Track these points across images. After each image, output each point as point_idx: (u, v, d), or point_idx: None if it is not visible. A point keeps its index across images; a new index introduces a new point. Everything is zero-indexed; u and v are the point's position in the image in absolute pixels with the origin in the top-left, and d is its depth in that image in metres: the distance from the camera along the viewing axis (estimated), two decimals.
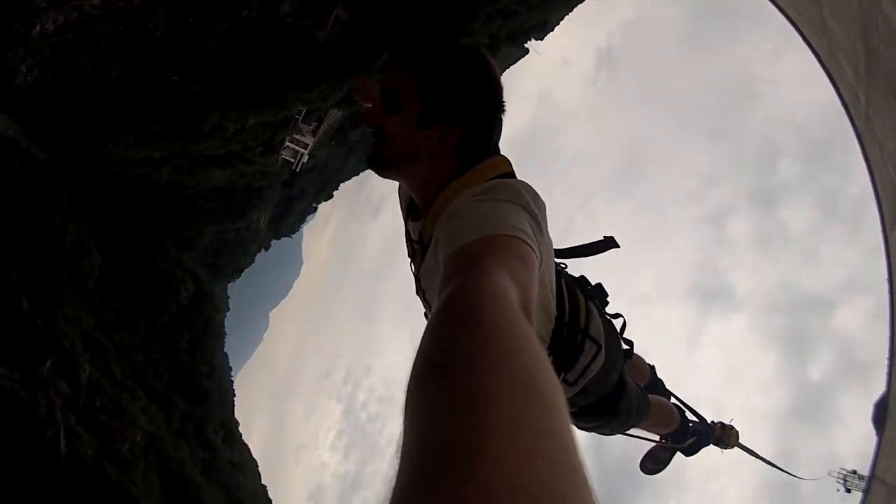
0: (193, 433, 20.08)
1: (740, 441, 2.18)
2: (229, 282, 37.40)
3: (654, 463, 2.12)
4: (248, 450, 29.25)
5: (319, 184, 35.27)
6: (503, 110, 0.97)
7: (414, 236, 1.05)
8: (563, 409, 0.33)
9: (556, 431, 0.30)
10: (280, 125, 14.66)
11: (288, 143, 21.97)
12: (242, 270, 39.31)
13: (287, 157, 22.96)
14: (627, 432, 1.64)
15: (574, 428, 0.34)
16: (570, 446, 0.30)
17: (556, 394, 0.34)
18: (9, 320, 9.11)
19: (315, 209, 42.59)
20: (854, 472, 15.60)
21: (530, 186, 0.86)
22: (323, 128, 23.12)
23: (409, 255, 1.12)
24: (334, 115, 23.20)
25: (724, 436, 2.11)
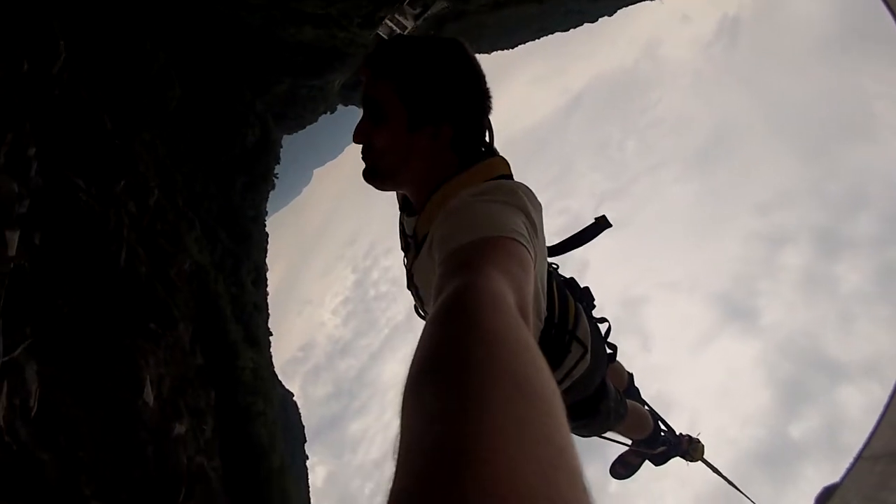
0: (230, 269, 21.79)
1: (704, 456, 2.20)
2: (289, 133, 37.93)
3: (623, 468, 2.19)
4: (267, 294, 31.81)
5: None
6: (490, 99, 0.94)
7: (408, 231, 1.04)
8: (561, 413, 0.33)
9: (553, 436, 0.30)
10: (385, 2, 13.65)
11: (387, 21, 20.84)
12: (305, 126, 39.60)
13: (381, 34, 21.88)
14: (602, 435, 1.67)
15: (571, 432, 0.33)
16: (567, 450, 0.30)
17: (554, 398, 0.34)
18: (92, 138, 9.52)
19: None
20: None
21: (527, 188, 0.85)
22: (426, 15, 21.72)
23: (402, 248, 1.12)
24: (440, 6, 21.84)
25: (690, 448, 2.14)
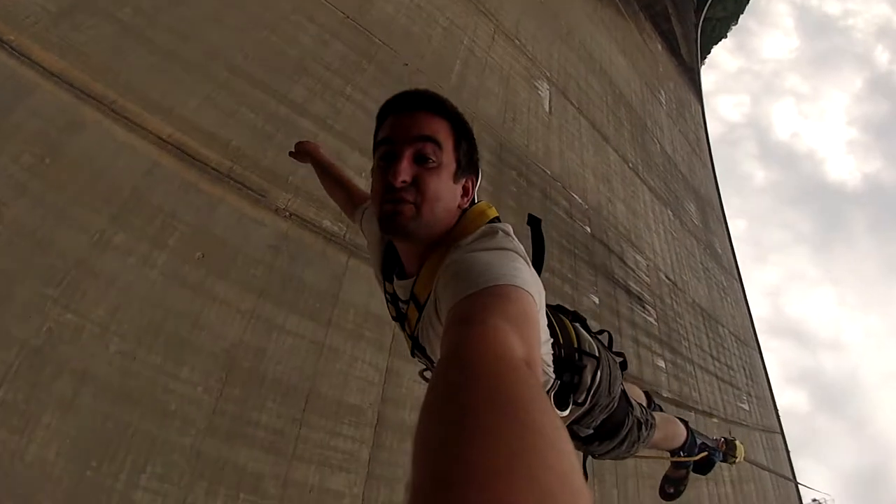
0: None
1: (745, 455, 2.15)
2: None
3: (671, 485, 2.12)
4: None
5: None
6: None
7: (402, 296, 0.97)
8: (567, 444, 0.33)
9: (556, 464, 0.30)
10: None
11: None
12: None
13: None
14: (639, 454, 1.60)
15: (580, 468, 0.33)
16: (571, 477, 0.30)
17: (559, 432, 0.34)
18: None
19: None
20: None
21: (510, 229, 0.84)
22: None
23: (394, 318, 1.04)
24: None
25: (729, 451, 2.07)
